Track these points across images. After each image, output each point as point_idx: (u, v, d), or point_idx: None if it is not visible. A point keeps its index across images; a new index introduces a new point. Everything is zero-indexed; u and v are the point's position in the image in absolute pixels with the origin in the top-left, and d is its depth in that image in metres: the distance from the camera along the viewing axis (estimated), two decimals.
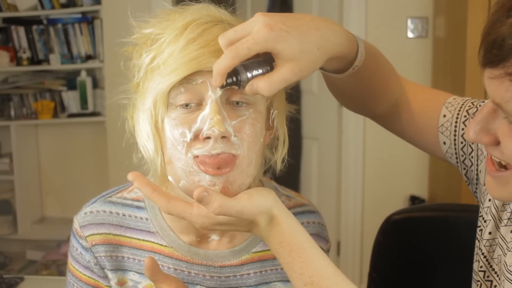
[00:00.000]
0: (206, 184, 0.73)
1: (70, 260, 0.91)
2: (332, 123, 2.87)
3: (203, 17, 0.76)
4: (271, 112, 0.82)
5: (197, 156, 0.73)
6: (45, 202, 3.56)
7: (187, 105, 0.74)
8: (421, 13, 2.60)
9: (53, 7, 3.20)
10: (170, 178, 0.78)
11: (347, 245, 2.76)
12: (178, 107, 0.75)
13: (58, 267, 3.12)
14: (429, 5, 2.59)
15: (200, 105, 0.74)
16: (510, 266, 0.80)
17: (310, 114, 3.00)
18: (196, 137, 0.73)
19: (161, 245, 0.87)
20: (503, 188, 0.69)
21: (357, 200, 2.78)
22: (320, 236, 0.96)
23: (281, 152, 0.83)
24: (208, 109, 0.72)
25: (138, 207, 0.89)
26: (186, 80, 0.73)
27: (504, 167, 0.68)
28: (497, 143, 0.66)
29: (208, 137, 0.72)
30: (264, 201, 0.70)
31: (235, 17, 0.80)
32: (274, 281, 0.91)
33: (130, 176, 0.72)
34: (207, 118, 0.72)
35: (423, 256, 1.14)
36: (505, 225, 0.83)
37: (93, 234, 0.87)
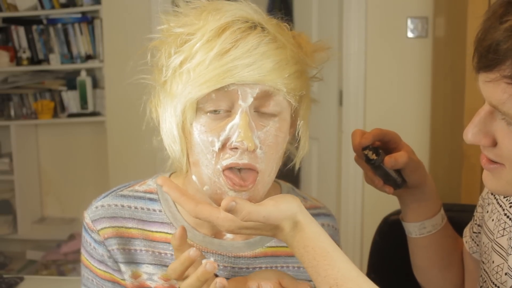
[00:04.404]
0: (230, 196, 0.76)
1: (85, 255, 0.90)
2: (332, 123, 2.87)
3: (237, 21, 0.75)
4: (298, 123, 0.85)
5: (224, 170, 0.75)
6: (45, 202, 3.56)
7: (216, 110, 0.75)
8: (421, 13, 2.60)
9: (53, 7, 3.20)
10: (194, 178, 0.80)
11: (347, 246, 2.76)
12: (208, 113, 0.76)
13: (58, 267, 3.12)
14: (429, 5, 2.59)
15: (229, 111, 0.75)
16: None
17: (310, 114, 2.99)
18: (224, 145, 0.75)
19: None
20: (497, 181, 0.71)
21: (357, 200, 2.78)
22: (332, 239, 0.96)
23: (302, 153, 0.88)
24: (238, 120, 0.74)
25: (150, 199, 0.90)
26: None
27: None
28: (494, 144, 0.68)
29: (236, 148, 0.74)
30: (290, 207, 0.72)
31: (268, 17, 0.80)
32: None
33: (159, 181, 0.75)
34: (236, 128, 0.74)
35: None
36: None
37: (105, 228, 0.87)
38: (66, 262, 3.13)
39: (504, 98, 0.62)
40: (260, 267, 0.90)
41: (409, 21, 2.61)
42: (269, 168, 0.78)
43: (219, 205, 0.75)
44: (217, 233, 0.89)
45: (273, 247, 0.91)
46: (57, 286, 1.57)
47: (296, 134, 0.85)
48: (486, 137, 0.68)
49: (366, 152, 0.88)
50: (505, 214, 0.86)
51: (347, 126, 2.74)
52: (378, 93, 2.69)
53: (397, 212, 1.27)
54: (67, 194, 3.51)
